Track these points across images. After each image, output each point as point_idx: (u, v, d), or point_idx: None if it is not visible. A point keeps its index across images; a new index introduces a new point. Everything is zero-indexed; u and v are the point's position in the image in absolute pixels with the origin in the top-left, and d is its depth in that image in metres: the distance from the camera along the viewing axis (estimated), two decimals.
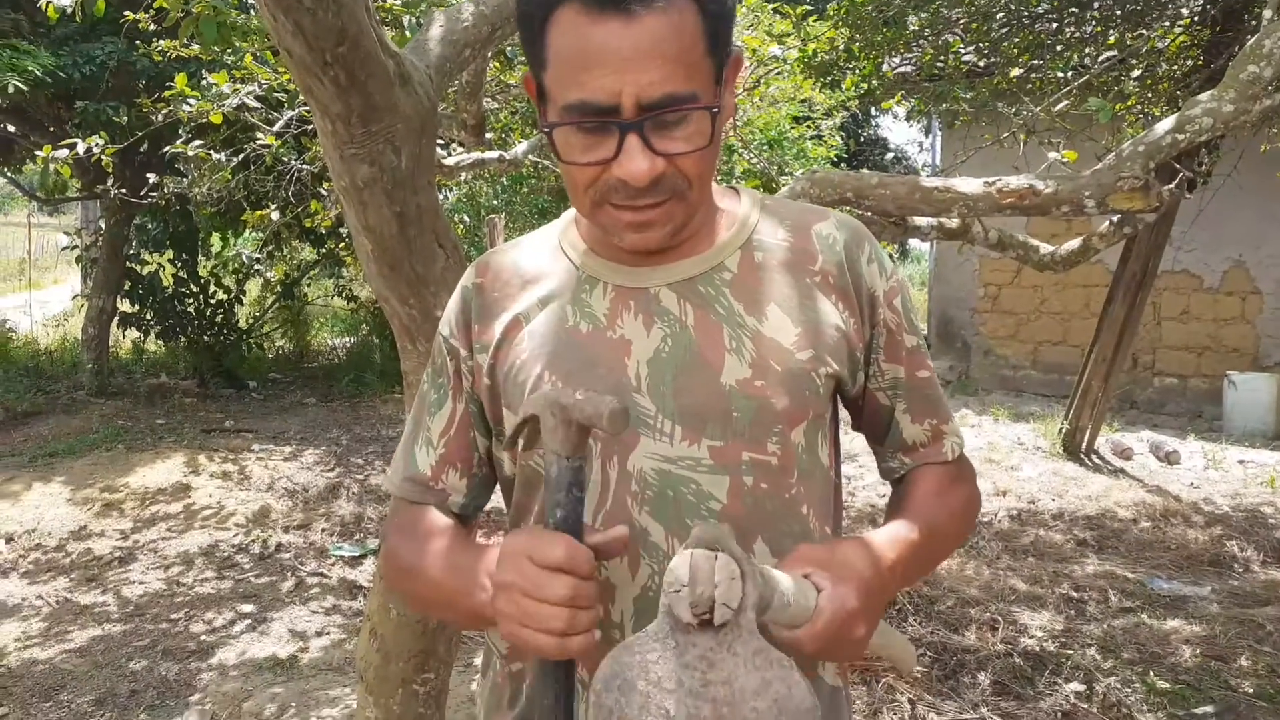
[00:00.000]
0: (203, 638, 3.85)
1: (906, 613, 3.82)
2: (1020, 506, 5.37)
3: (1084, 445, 6.37)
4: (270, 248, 9.61)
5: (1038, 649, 3.55)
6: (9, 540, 4.91)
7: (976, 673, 3.40)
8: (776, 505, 0.99)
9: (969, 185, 2.55)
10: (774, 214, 1.08)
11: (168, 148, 5.17)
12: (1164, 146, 2.29)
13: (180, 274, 8.94)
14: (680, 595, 0.76)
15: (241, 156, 5.21)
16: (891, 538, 0.98)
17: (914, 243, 23.84)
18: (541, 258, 1.09)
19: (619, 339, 1.00)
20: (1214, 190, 5.46)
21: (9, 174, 9.42)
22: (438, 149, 4.23)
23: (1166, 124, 2.29)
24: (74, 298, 10.99)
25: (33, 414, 7.42)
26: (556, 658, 0.86)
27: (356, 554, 4.75)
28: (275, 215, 5.95)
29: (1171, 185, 2.72)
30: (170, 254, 8.98)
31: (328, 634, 3.89)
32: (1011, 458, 6.42)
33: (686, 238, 1.02)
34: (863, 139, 16.37)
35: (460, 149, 4.37)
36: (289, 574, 4.54)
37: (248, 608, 4.15)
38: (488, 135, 4.26)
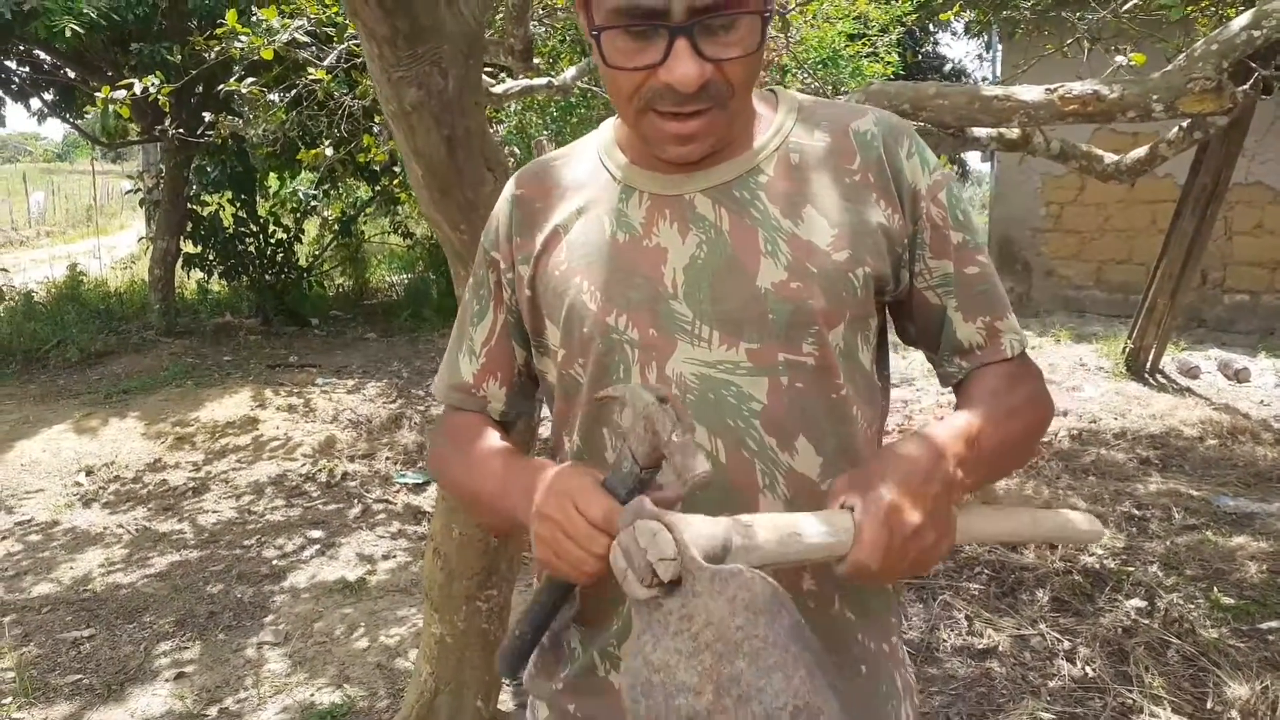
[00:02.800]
0: (274, 562, 4.00)
1: None
2: (1081, 426, 5.29)
3: (1148, 364, 6.23)
4: (326, 186, 9.70)
5: (1098, 566, 3.53)
6: (89, 473, 5.12)
7: (1035, 590, 3.40)
8: (819, 406, 0.99)
9: (1030, 93, 2.47)
10: (811, 115, 1.06)
11: (221, 86, 5.22)
12: (1239, 45, 2.20)
13: (240, 214, 9.08)
14: (628, 579, 0.79)
15: (294, 93, 5.24)
16: (944, 428, 0.95)
17: (975, 164, 23.19)
18: (581, 168, 1.09)
19: (655, 247, 1.00)
20: None
21: (71, 120, 9.57)
22: (485, 77, 4.20)
23: (1242, 20, 2.19)
24: (139, 240, 11.25)
25: (106, 354, 7.67)
26: (574, 582, 0.96)
27: (420, 481, 4.86)
28: (329, 152, 6.00)
29: (1246, 87, 2.61)
30: (229, 195, 9.12)
31: (394, 557, 4.01)
32: (1073, 378, 6.31)
33: (725, 144, 1.01)
34: (920, 55, 15.86)
35: (508, 76, 4.34)
36: (355, 501, 4.68)
37: (316, 534, 4.29)
38: (535, 61, 4.22)
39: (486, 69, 4.73)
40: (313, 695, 2.99)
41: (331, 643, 3.33)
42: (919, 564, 0.87)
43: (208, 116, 5.26)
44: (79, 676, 3.14)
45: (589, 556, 0.88)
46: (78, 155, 29.68)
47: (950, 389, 1.10)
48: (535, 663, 1.13)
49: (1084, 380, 6.27)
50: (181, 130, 6.03)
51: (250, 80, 5.25)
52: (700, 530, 0.79)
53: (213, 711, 2.93)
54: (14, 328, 7.65)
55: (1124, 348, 6.45)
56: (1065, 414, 5.50)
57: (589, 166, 1.09)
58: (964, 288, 1.04)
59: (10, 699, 3.00)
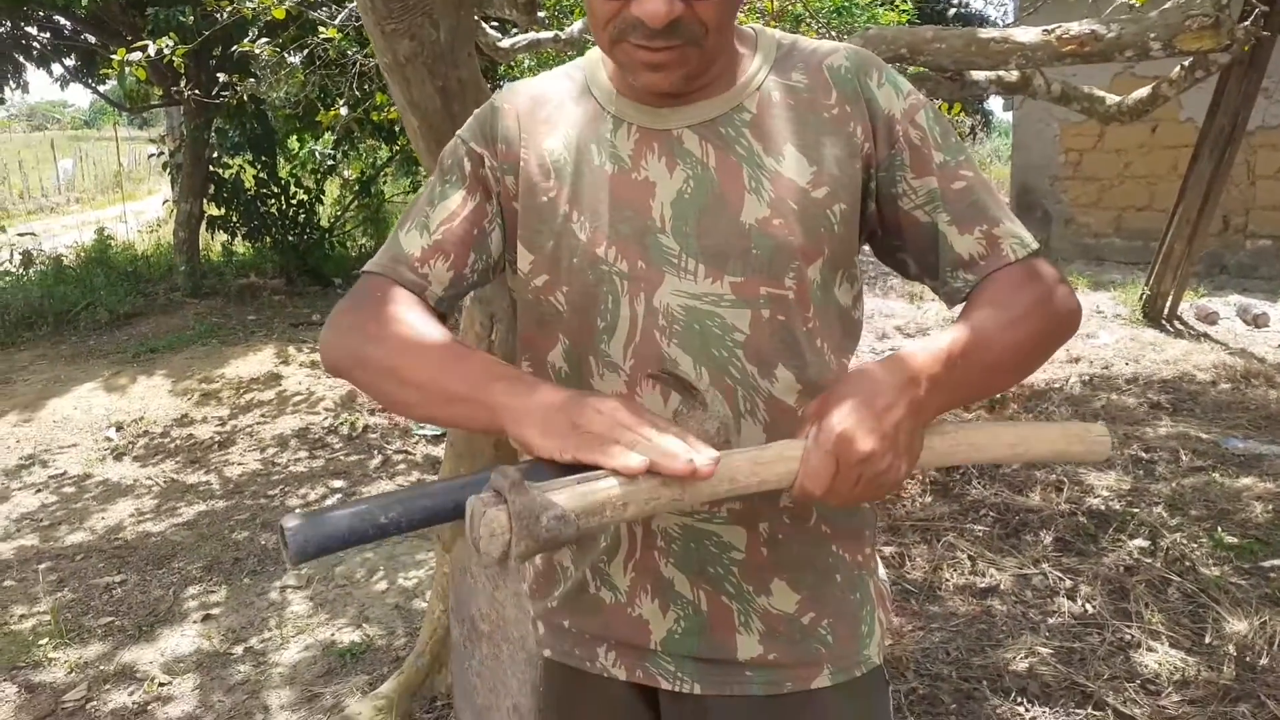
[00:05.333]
0: (298, 511, 4.11)
1: (970, 476, 3.87)
2: (1093, 372, 5.29)
3: (1165, 311, 6.20)
4: (344, 147, 9.75)
5: (1103, 508, 3.57)
6: (119, 428, 5.27)
7: (1039, 531, 3.45)
8: (798, 337, 1.03)
9: (1026, 34, 2.48)
10: (789, 54, 1.08)
11: (235, 47, 5.27)
12: None
13: (260, 176, 9.16)
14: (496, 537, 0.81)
15: (306, 51, 5.27)
16: (921, 346, 0.94)
17: (998, 114, 22.83)
18: (569, 95, 1.10)
19: (643, 180, 1.03)
20: None
21: (93, 85, 9.66)
22: (491, 31, 4.22)
23: None
24: (164, 203, 11.38)
25: (134, 315, 7.82)
26: (619, 470, 0.84)
27: (438, 433, 4.96)
28: (344, 111, 6.04)
29: (1247, 23, 2.60)
30: (249, 157, 9.20)
31: None
32: (1088, 325, 6.28)
33: (707, 82, 1.03)
34: (939, 3, 15.57)
35: (515, 30, 4.35)
36: (376, 452, 4.79)
37: (338, 484, 4.41)
38: (540, 15, 4.23)
39: (492, 23, 4.74)
40: (333, 635, 3.11)
41: (352, 586, 3.44)
42: (873, 488, 0.88)
43: (223, 77, 5.32)
44: (111, 618, 3.28)
45: (657, 453, 0.83)
46: (104, 122, 29.88)
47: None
48: (530, 582, 1.18)
49: (1099, 327, 6.25)
50: (198, 92, 6.09)
51: (264, 40, 5.28)
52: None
53: (238, 650, 3.06)
54: (44, 291, 7.81)
55: (1141, 294, 6.41)
56: (1077, 360, 5.50)
57: (576, 94, 1.10)
58: (953, 201, 1.02)
59: (47, 640, 3.15)
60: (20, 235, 8.42)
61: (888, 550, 3.36)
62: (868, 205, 1.05)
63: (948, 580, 3.18)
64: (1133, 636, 2.78)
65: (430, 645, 2.65)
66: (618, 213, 1.02)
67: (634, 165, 1.03)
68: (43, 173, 20.94)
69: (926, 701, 2.57)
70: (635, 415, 0.87)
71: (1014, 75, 2.94)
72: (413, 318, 1.02)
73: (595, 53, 1.11)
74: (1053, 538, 3.39)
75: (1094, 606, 2.95)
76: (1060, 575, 3.14)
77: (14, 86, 9.61)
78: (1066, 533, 3.41)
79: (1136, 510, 3.53)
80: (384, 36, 1.90)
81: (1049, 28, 2.46)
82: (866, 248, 1.13)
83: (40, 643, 3.14)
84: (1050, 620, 2.91)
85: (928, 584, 3.16)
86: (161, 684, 2.89)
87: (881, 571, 1.19)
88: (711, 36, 0.97)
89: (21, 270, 8.06)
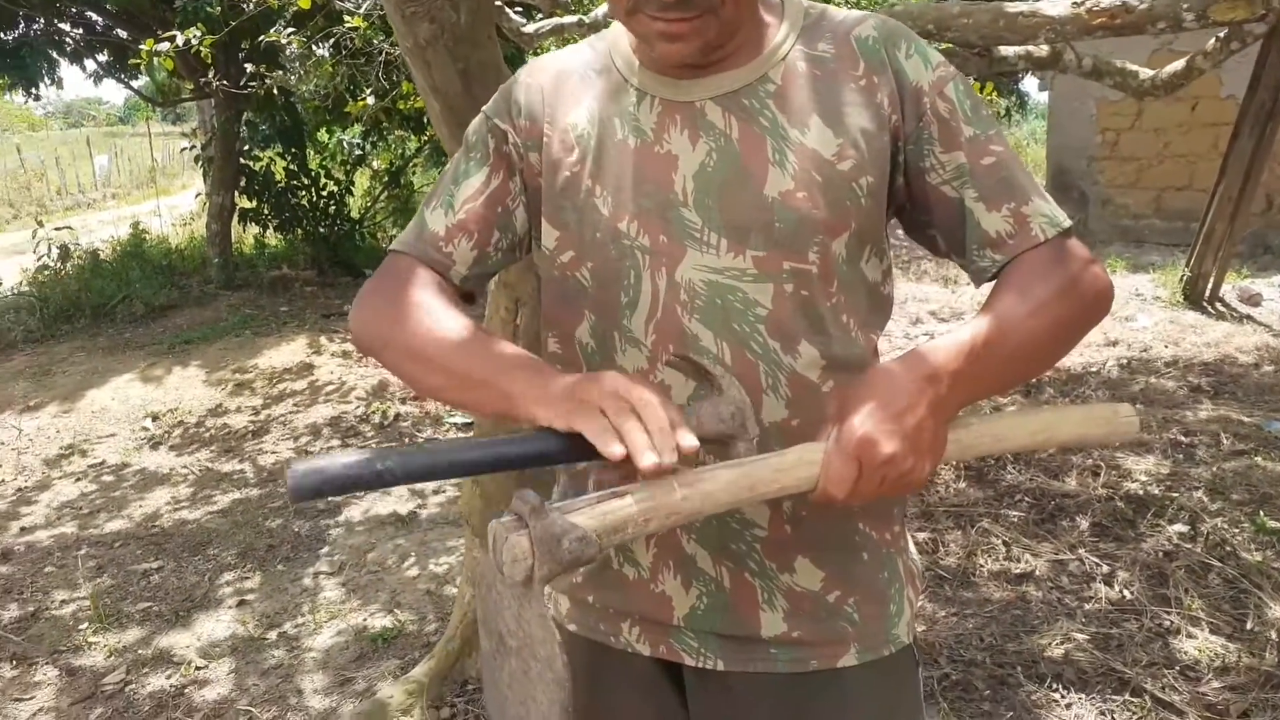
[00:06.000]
0: (330, 499, 4.15)
1: (1005, 461, 3.82)
2: (1131, 355, 5.20)
3: (1207, 293, 6.07)
4: (373, 137, 9.80)
5: (1141, 493, 3.51)
6: (155, 418, 5.34)
7: (1075, 516, 3.40)
8: (822, 312, 1.01)
9: (1055, 7, 2.42)
10: (816, 24, 1.06)
11: (262, 37, 5.30)
12: None
13: (290, 168, 9.23)
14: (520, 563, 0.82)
15: (332, 41, 5.28)
16: (943, 342, 0.93)
17: (1033, 95, 22.48)
18: (592, 69, 1.10)
19: (666, 154, 1.01)
20: None
21: (125, 80, 9.77)
22: (515, 16, 4.21)
23: None
24: (197, 196, 11.50)
25: (168, 307, 7.92)
26: (628, 455, 0.83)
27: (469, 421, 4.98)
28: (370, 100, 6.07)
29: None
30: (279, 149, 9.27)
31: (443, 492, 4.14)
32: (1126, 308, 6.18)
33: (729, 53, 1.02)
34: None
35: (539, 15, 4.34)
36: (407, 440, 4.82)
37: None
38: None
39: (516, 7, 4.72)
40: (365, 620, 3.13)
41: (384, 572, 3.47)
42: (897, 489, 0.88)
43: (249, 68, 5.36)
44: (149, 604, 3.33)
45: (662, 441, 0.82)
46: (138, 118, 30.29)
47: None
48: None
49: (1138, 310, 6.15)
50: (225, 83, 6.14)
51: (290, 30, 5.30)
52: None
53: (272, 635, 3.09)
54: (82, 284, 7.93)
55: (1181, 276, 6.29)
56: (1115, 344, 5.41)
57: (599, 67, 1.09)
58: (981, 177, 0.99)
59: (87, 624, 3.20)
60: (57, 230, 8.53)
61: (921, 536, 3.33)
62: (896, 179, 1.03)
63: (982, 566, 3.14)
64: (1172, 623, 2.73)
65: (460, 630, 2.66)
66: (640, 186, 1.02)
67: (656, 138, 1.02)
68: (79, 169, 21.25)
69: (960, 687, 2.54)
70: (630, 387, 0.86)
71: (1044, 50, 2.88)
72: (436, 301, 1.03)
73: (619, 25, 1.10)
74: (1090, 523, 3.33)
75: (1132, 592, 2.90)
76: (1097, 561, 3.09)
77: (48, 83, 9.75)
78: (1104, 518, 3.36)
79: (1176, 495, 3.46)
80: (404, 20, 1.89)
81: (1078, 0, 2.40)
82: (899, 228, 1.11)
83: (80, 627, 3.19)
84: (1087, 606, 2.86)
85: (962, 570, 3.12)
86: (198, 668, 2.93)
87: (913, 550, 1.17)
88: (729, 6, 0.96)
89: (59, 265, 8.19)
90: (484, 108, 1.13)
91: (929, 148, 1.00)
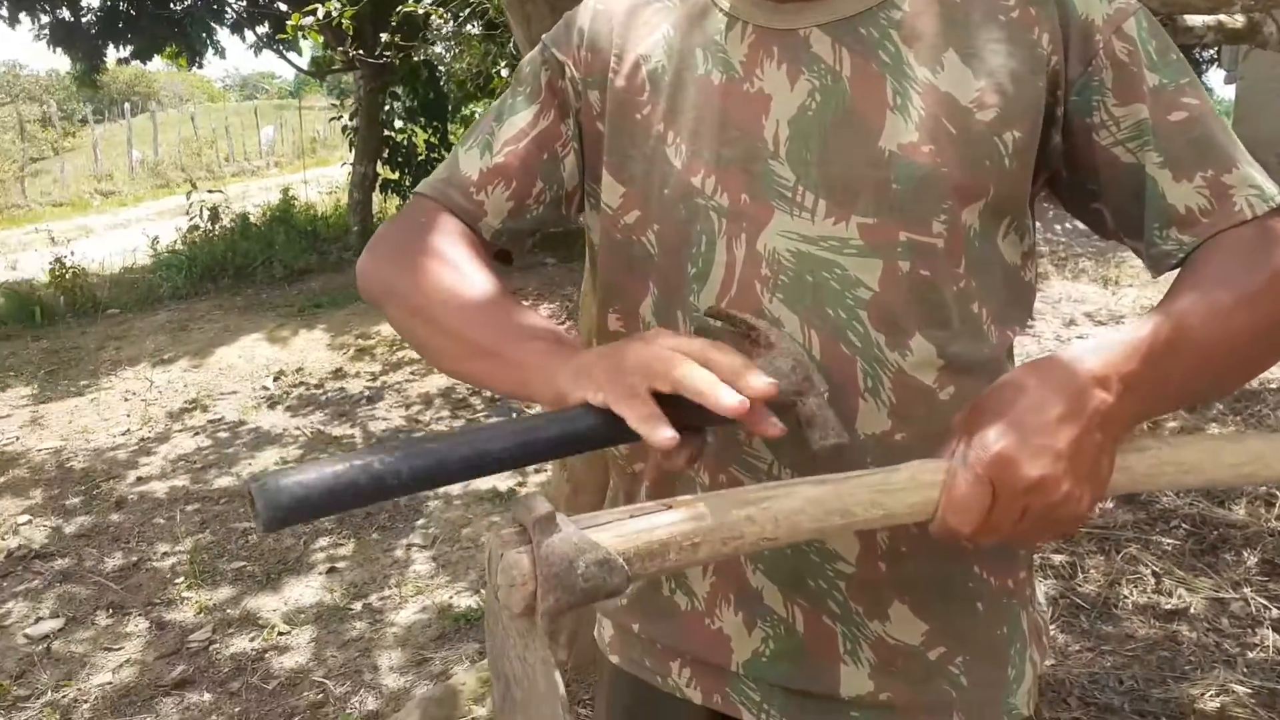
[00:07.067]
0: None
1: None
2: None
3: None
4: None
5: None
6: (277, 378, 5.45)
7: (1242, 550, 3.00)
8: (942, 298, 0.79)
9: None
10: None
11: (399, 8, 5.30)
12: None
13: (431, 140, 9.36)
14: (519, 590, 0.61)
15: (469, 10, 5.24)
16: (1112, 338, 0.71)
17: (1218, 90, 20.89)
18: None
19: (756, 93, 0.81)
20: None
21: (282, 53, 10.12)
22: None
23: None
24: (342, 165, 11.86)
25: (306, 271, 8.19)
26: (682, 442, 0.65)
27: None
28: (505, 74, 6.02)
29: None
30: (422, 121, 9.42)
31: (545, 471, 4.01)
32: None
33: None
34: None
35: None
36: (516, 415, 4.73)
37: None
38: None
39: None
40: (451, 598, 3.03)
41: (476, 549, 3.37)
42: (1044, 525, 0.66)
43: (384, 37, 5.36)
44: (244, 564, 3.32)
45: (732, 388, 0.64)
46: (306, 91, 31.74)
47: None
48: None
49: None
50: (362, 53, 6.20)
51: (431, 2, 5.29)
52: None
53: (357, 606, 3.02)
54: (229, 245, 8.26)
55: None
56: None
57: None
58: (1168, 137, 0.77)
59: (182, 579, 3.21)
60: (210, 192, 8.93)
61: (1057, 559, 2.99)
62: (1051, 136, 0.80)
63: (1126, 598, 2.80)
64: None
65: None
66: (722, 133, 0.81)
67: (746, 74, 0.82)
68: (247, 139, 22.39)
69: None
70: (680, 341, 0.68)
71: (1239, 21, 2.48)
72: (456, 253, 0.86)
73: None
74: (1259, 559, 2.94)
75: None
76: (1265, 603, 2.72)
77: (213, 52, 10.19)
78: (1276, 554, 2.95)
79: None
80: None
81: None
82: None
83: (177, 581, 3.21)
84: (1250, 655, 2.51)
85: (1102, 600, 2.79)
86: (280, 633, 2.89)
87: (1041, 600, 0.92)
88: None
89: (210, 226, 8.56)
90: (542, 39, 0.93)
91: (1100, 99, 0.78)
